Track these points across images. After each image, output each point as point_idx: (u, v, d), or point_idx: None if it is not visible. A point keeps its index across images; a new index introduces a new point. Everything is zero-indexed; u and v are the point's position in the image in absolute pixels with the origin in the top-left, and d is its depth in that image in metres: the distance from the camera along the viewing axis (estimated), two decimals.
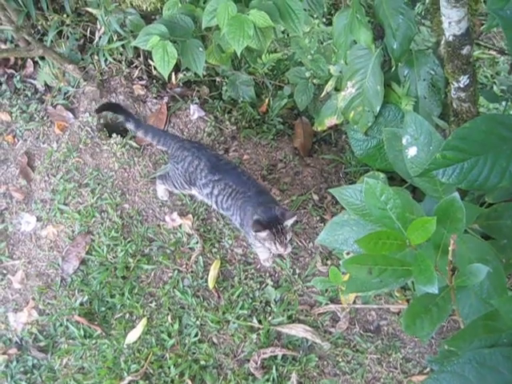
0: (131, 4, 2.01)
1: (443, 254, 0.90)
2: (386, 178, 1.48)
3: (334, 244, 1.24)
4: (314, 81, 2.01)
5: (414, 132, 1.15)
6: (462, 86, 1.48)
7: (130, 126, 1.98)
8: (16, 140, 2.19)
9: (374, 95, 1.65)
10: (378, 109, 1.65)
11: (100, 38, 2.16)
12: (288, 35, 2.27)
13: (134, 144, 2.07)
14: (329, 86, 1.82)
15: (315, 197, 1.98)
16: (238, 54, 1.68)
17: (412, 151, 1.16)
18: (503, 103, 1.80)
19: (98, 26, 2.17)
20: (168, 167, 1.90)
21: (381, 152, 1.71)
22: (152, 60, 2.14)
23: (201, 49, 1.85)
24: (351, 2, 1.67)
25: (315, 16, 2.08)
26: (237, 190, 1.71)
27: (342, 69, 1.77)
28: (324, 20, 2.24)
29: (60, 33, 2.26)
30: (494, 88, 2.49)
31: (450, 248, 0.84)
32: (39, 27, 2.28)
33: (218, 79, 2.21)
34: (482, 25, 1.71)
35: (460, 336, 0.92)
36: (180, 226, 1.91)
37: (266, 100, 2.18)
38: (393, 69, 1.68)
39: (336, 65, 1.82)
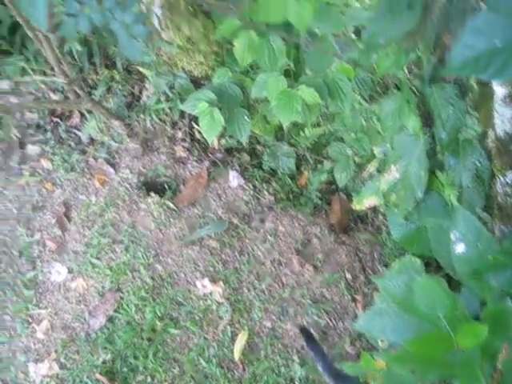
0: (183, 68, 2.06)
1: (490, 359, 0.88)
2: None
3: (371, 331, 1.22)
4: (356, 159, 2.02)
5: (463, 228, 1.14)
6: (509, 181, 1.47)
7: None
8: (55, 188, 2.21)
9: (417, 181, 1.65)
10: (421, 195, 1.65)
11: (148, 97, 2.21)
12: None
13: (172, 205, 2.09)
14: (371, 167, 1.83)
15: (348, 276, 1.96)
16: (285, 128, 1.71)
17: (460, 248, 1.15)
18: None
19: (147, 86, 2.23)
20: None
21: (419, 238, 1.70)
22: (196, 123, 2.18)
23: (247, 118, 1.88)
24: (401, 88, 1.70)
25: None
26: None
27: (387, 151, 1.78)
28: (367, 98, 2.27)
29: (109, 88, 2.32)
30: None
31: (500, 356, 0.82)
32: (89, 81, 2.34)
33: (259, 148, 2.24)
34: None
35: None
36: (210, 292, 1.90)
37: (306, 173, 2.19)
38: (438, 156, 1.68)
39: (380, 146, 1.83)
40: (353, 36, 1.98)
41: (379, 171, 1.82)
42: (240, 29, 1.75)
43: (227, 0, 1.74)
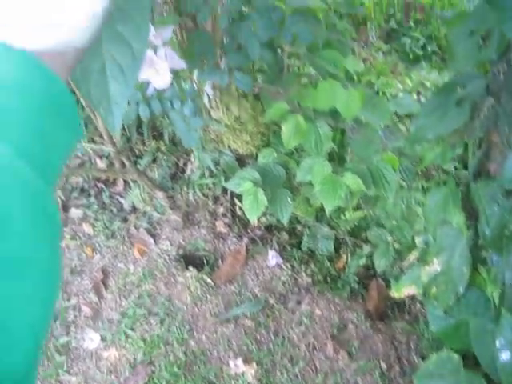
0: (229, 146, 2.10)
1: None
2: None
3: None
4: (396, 245, 2.01)
5: (509, 336, 1.12)
6: None
7: None
8: (94, 254, 2.25)
9: (459, 276, 1.64)
10: (462, 290, 1.63)
11: (192, 171, 2.26)
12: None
13: (209, 280, 2.09)
14: (412, 257, 1.82)
15: (383, 365, 1.92)
16: (327, 213, 1.72)
17: (505, 355, 1.13)
18: None
19: (192, 159, 2.28)
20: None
21: (459, 333, 1.66)
22: (238, 200, 2.21)
23: (289, 200, 1.90)
24: (447, 181, 1.71)
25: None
26: None
27: (428, 242, 1.78)
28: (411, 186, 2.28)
29: (155, 159, 2.38)
30: None
31: None
32: (136, 151, 2.41)
33: (299, 228, 2.25)
34: None
35: None
36: (243, 373, 1.88)
37: (344, 256, 2.19)
38: (482, 252, 1.67)
39: (421, 236, 1.83)
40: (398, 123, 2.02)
41: (419, 261, 1.81)
42: (288, 113, 1.80)
43: (277, 84, 1.80)
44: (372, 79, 2.94)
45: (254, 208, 1.83)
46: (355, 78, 2.08)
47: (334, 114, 1.77)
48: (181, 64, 1.08)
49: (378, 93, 2.80)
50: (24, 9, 0.27)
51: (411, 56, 3.20)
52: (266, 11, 1.23)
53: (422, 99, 2.86)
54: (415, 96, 2.88)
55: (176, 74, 1.19)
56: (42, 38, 0.29)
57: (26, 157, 0.29)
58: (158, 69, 0.99)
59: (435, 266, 1.70)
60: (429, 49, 3.17)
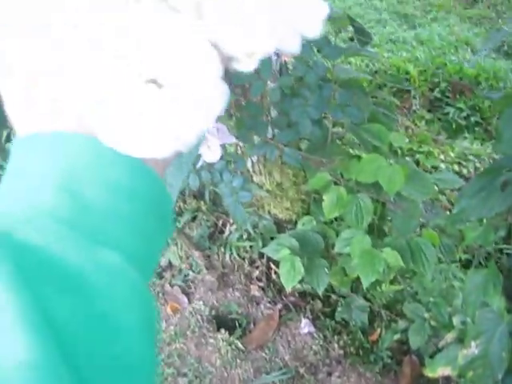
0: (269, 211, 2.11)
1: None
2: None
3: None
4: (432, 322, 1.98)
5: None
6: None
7: None
8: None
9: (497, 361, 1.60)
10: (500, 376, 1.59)
11: (230, 232, 2.28)
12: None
13: (240, 345, 2.07)
14: (449, 337, 1.78)
15: None
16: (365, 287, 1.71)
17: None
18: None
19: (231, 221, 2.30)
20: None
21: None
22: (274, 264, 2.21)
23: (326, 270, 1.89)
24: (488, 263, 1.68)
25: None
26: None
27: (466, 324, 1.74)
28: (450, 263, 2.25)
29: (194, 217, 2.41)
30: None
31: None
32: (176, 208, 2.44)
33: (333, 297, 2.23)
34: None
35: None
36: None
37: (378, 330, 2.16)
38: None
39: (459, 316, 1.80)
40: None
41: (456, 341, 1.77)
42: (330, 183, 1.81)
43: (320, 153, 1.81)
44: (414, 147, 2.95)
45: (290, 276, 1.83)
46: (399, 151, 2.09)
47: (376, 186, 1.77)
48: (231, 139, 1.10)
49: (418, 162, 2.81)
50: (150, 121, 0.28)
51: (454, 126, 3.20)
52: (317, 87, 1.26)
53: (464, 171, 2.85)
54: (457, 167, 2.87)
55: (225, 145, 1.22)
56: (156, 149, 0.30)
57: (133, 261, 0.30)
58: (210, 145, 1.02)
59: (473, 348, 1.66)
60: (472, 119, 3.17)
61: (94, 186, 0.30)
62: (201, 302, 2.21)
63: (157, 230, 0.34)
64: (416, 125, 3.22)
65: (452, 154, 2.90)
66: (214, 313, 2.20)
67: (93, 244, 0.28)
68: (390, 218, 1.94)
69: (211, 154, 1.05)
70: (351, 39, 3.31)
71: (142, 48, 0.28)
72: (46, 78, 0.29)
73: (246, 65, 0.31)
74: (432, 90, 3.39)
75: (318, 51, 1.27)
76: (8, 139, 1.97)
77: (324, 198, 1.79)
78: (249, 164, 2.01)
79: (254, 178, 2.03)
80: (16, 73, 0.29)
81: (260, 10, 0.31)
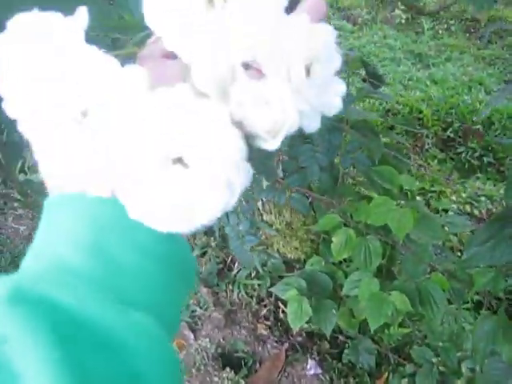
0: (277, 250, 2.11)
1: None
2: None
3: None
4: (440, 368, 1.95)
5: None
6: None
7: None
8: None
9: None
10: None
11: (239, 270, 2.27)
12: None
13: None
14: None
15: None
16: (372, 330, 1.69)
17: None
18: None
19: None
20: None
21: None
22: (282, 303, 2.20)
23: (334, 311, 1.88)
24: (498, 311, 1.66)
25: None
26: None
27: (475, 371, 1.72)
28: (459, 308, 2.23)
29: (204, 253, 2.41)
30: None
31: None
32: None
33: (341, 338, 2.21)
34: None
35: None
36: None
37: (386, 373, 2.13)
38: None
39: (468, 363, 1.78)
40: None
41: None
42: (340, 225, 1.81)
43: (330, 194, 1.82)
44: (426, 187, 2.95)
45: (297, 316, 1.82)
46: (409, 193, 2.09)
47: (385, 228, 1.77)
48: None
49: (429, 202, 2.80)
50: (176, 199, 0.30)
51: (467, 166, 3.20)
52: (327, 133, 1.26)
53: (476, 212, 2.84)
54: (468, 208, 2.86)
55: None
56: (181, 226, 0.31)
57: (161, 319, 0.31)
58: None
59: None
60: (485, 160, 3.16)
61: (123, 248, 0.31)
62: (207, 339, 2.20)
63: (181, 288, 0.35)
64: (428, 164, 3.22)
65: (464, 195, 2.89)
66: (219, 350, 2.19)
67: (123, 304, 0.30)
68: (399, 261, 1.94)
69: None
70: (364, 80, 3.34)
71: (170, 130, 0.29)
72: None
73: (271, 144, 0.33)
74: (445, 129, 3.39)
75: None
76: (21, 169, 1.99)
77: (333, 239, 1.79)
78: (259, 203, 2.02)
79: (264, 217, 2.04)
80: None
81: (283, 91, 0.32)
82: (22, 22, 0.31)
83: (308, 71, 0.35)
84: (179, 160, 0.30)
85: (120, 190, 0.30)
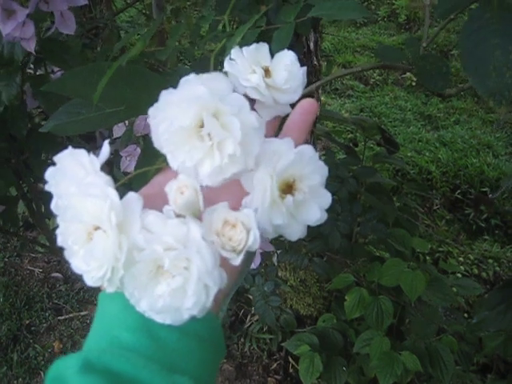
0: (291, 306, 2.16)
1: None
2: None
3: None
4: None
5: None
6: None
7: None
8: None
9: None
10: None
11: (252, 323, 2.32)
12: None
13: None
14: None
15: None
16: None
17: None
18: None
19: (252, 311, 2.34)
20: None
21: None
22: (292, 358, 2.24)
23: (344, 368, 1.92)
24: (508, 376, 1.71)
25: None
26: None
27: None
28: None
29: None
30: None
31: None
32: None
33: None
34: None
35: None
36: None
37: None
38: None
39: None
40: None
41: None
42: (353, 284, 1.86)
43: (344, 254, 1.88)
44: (433, 247, 3.00)
45: (309, 372, 1.86)
46: (421, 256, 2.15)
47: (397, 289, 1.82)
48: (270, 247, 1.18)
49: (437, 262, 2.85)
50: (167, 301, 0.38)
51: (474, 227, 3.25)
52: (348, 203, 1.34)
53: (484, 274, 2.88)
54: (476, 270, 2.90)
55: None
56: (173, 320, 0.39)
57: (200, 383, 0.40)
58: None
59: None
60: (492, 222, 3.22)
61: (165, 329, 0.39)
62: None
63: (215, 358, 0.43)
64: (436, 224, 3.27)
65: (471, 256, 2.94)
66: None
67: (169, 371, 0.38)
68: (408, 320, 1.98)
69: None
70: (378, 144, 3.44)
71: (157, 246, 0.37)
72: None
73: (234, 260, 0.40)
74: (453, 190, 3.46)
75: (350, 171, 1.37)
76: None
77: (346, 297, 1.85)
78: (274, 259, 2.08)
79: (279, 273, 2.10)
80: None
81: (249, 218, 0.40)
82: (61, 158, 0.41)
83: (292, 187, 0.41)
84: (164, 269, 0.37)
85: (126, 292, 0.38)
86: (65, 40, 1.35)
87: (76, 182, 0.39)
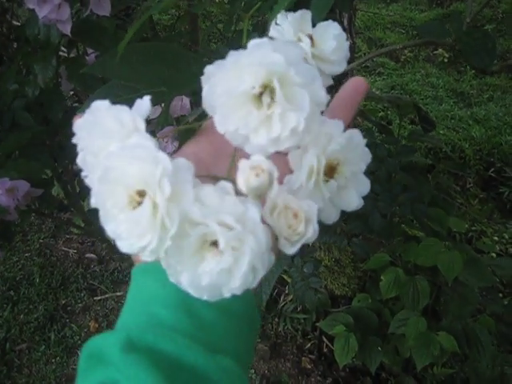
0: (325, 286, 2.16)
1: None
2: None
3: None
4: None
5: None
6: None
7: None
8: None
9: None
10: None
11: (286, 303, 2.32)
12: None
13: None
14: None
15: None
16: (418, 369, 1.72)
17: None
18: None
19: (286, 291, 2.34)
20: None
21: None
22: (326, 338, 2.24)
23: (379, 348, 1.91)
24: None
25: None
26: None
27: None
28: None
29: None
30: None
31: None
32: None
33: (383, 374, 2.23)
34: None
35: None
36: None
37: None
38: None
39: None
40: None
41: None
42: (388, 264, 1.85)
43: (380, 234, 1.86)
44: (467, 226, 2.95)
45: (344, 352, 1.86)
46: (457, 236, 2.13)
47: (433, 269, 1.80)
48: None
49: (470, 241, 2.81)
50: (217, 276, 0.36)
51: (508, 206, 3.19)
52: (387, 182, 1.32)
53: None
54: (511, 249, 2.86)
55: None
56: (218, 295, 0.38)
57: (239, 362, 0.39)
58: None
59: None
60: None
61: (205, 308, 0.39)
62: (252, 371, 2.24)
63: (251, 336, 0.43)
64: (470, 203, 3.23)
65: (506, 236, 2.89)
66: (264, 382, 2.23)
67: (211, 351, 0.37)
68: (443, 301, 1.96)
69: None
70: (413, 122, 3.39)
71: (209, 219, 0.35)
72: None
73: (288, 249, 0.39)
74: (487, 169, 3.40)
75: (389, 150, 1.35)
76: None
77: (382, 277, 1.83)
78: None
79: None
80: None
81: (312, 210, 0.38)
82: (94, 110, 0.38)
83: (335, 170, 0.40)
84: (215, 243, 0.35)
85: (165, 264, 0.35)
86: (98, 22, 1.34)
87: (115, 140, 0.37)
